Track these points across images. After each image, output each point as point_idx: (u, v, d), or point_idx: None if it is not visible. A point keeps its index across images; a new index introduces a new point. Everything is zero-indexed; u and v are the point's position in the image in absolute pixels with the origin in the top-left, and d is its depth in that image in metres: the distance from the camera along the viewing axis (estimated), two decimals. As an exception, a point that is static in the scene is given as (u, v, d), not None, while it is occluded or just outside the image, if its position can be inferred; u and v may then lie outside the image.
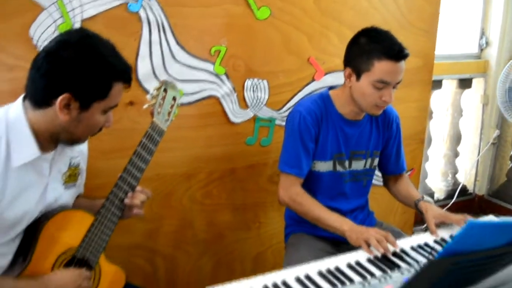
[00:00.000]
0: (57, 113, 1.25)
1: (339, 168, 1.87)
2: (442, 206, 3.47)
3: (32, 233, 1.33)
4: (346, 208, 1.91)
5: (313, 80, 2.32)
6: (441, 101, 3.43)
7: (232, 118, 2.17)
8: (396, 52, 1.66)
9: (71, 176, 1.46)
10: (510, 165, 3.60)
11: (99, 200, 1.52)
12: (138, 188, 1.47)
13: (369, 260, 1.54)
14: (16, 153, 1.25)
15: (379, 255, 1.56)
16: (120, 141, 1.95)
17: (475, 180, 3.68)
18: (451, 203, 3.47)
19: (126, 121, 1.97)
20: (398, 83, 1.73)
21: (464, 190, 3.65)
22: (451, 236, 1.70)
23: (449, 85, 3.38)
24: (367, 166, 1.93)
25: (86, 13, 1.80)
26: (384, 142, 1.94)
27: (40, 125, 1.29)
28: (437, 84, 3.25)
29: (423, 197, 1.88)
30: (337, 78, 2.32)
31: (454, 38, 3.38)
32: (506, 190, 3.63)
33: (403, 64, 1.70)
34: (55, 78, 1.23)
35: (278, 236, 2.44)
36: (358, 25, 1.88)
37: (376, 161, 1.95)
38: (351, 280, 1.40)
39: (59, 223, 1.35)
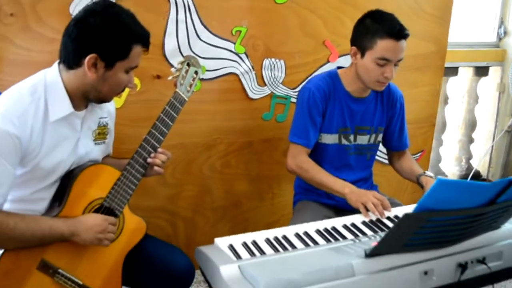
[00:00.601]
0: (86, 72, 1.46)
1: (344, 141, 2.03)
2: (455, 190, 3.58)
3: (67, 182, 1.54)
4: (350, 179, 2.05)
5: (328, 61, 2.47)
6: (457, 87, 3.53)
7: (250, 94, 2.35)
8: (396, 31, 1.81)
9: (100, 134, 1.67)
10: (524, 153, 3.69)
11: (125, 160, 1.72)
12: (160, 149, 1.66)
13: (364, 223, 1.71)
14: (53, 109, 1.47)
15: (374, 219, 1.73)
16: (147, 110, 2.15)
17: (489, 166, 3.77)
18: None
19: (153, 92, 2.16)
20: (399, 60, 1.88)
21: (477, 175, 3.75)
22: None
23: (466, 72, 3.48)
24: (371, 141, 2.08)
25: (120, -7, 2.00)
26: (388, 119, 2.09)
27: (73, 84, 1.50)
28: (453, 71, 3.35)
29: (424, 172, 2.03)
30: (351, 60, 2.46)
31: (473, 26, 3.47)
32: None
33: (403, 43, 1.85)
34: (83, 41, 1.44)
35: (290, 207, 2.60)
36: (371, 9, 1.99)
37: (380, 136, 2.10)
38: (344, 237, 1.58)
39: (90, 175, 1.55)
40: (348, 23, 2.45)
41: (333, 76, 2.02)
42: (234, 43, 2.25)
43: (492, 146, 3.71)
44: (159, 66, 2.14)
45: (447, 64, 3.22)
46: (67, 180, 1.55)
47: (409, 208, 1.83)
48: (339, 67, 2.07)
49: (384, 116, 2.08)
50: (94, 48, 1.44)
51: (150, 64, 2.13)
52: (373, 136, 2.09)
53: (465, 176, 3.67)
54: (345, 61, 2.47)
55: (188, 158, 2.34)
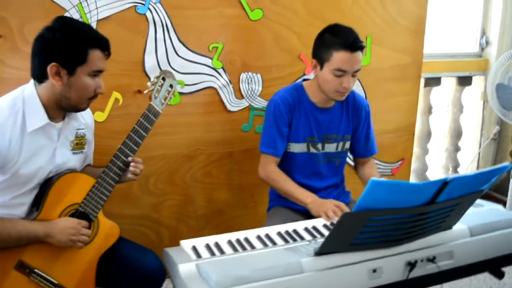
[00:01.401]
0: (52, 81, 1.59)
1: (312, 150, 2.14)
2: (442, 198, 3.64)
3: (44, 189, 1.67)
4: (320, 186, 2.17)
5: (304, 74, 2.58)
6: (441, 97, 3.62)
7: (229, 107, 2.47)
8: (350, 43, 1.91)
9: (78, 144, 1.80)
10: (511, 160, 3.75)
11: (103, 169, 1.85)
12: (130, 158, 1.77)
13: (325, 226, 1.81)
14: (30, 121, 1.60)
15: (328, 223, 1.82)
16: (129, 123, 2.19)
17: (476, 174, 3.83)
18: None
19: (134, 106, 2.29)
20: (356, 71, 1.98)
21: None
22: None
23: (449, 82, 3.57)
24: (339, 149, 2.18)
25: (101, 14, 2.14)
26: (354, 127, 2.19)
27: (46, 96, 1.63)
28: (436, 81, 3.44)
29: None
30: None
31: (455, 37, 3.57)
32: (507, 185, 3.76)
33: (359, 54, 1.95)
34: (43, 54, 1.58)
35: (272, 214, 2.71)
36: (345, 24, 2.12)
37: (348, 144, 2.20)
38: (302, 238, 1.68)
39: (66, 182, 1.68)
40: None
41: (298, 88, 2.13)
42: (212, 59, 2.37)
43: (479, 154, 3.78)
44: (140, 81, 2.27)
45: (430, 75, 3.34)
46: (45, 186, 1.68)
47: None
48: (304, 79, 2.19)
49: (350, 124, 2.18)
50: (53, 57, 1.57)
51: (132, 80, 2.26)
52: (341, 144, 2.19)
53: (452, 184, 3.73)
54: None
55: (171, 168, 2.45)
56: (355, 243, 1.46)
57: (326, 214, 1.86)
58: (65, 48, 1.58)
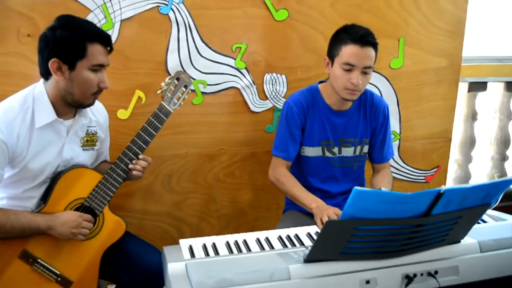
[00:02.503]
0: (55, 77, 1.64)
1: (327, 154, 2.09)
2: (486, 208, 3.46)
3: (52, 183, 1.73)
4: (336, 191, 2.12)
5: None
6: (486, 103, 3.44)
7: (252, 107, 2.46)
8: (359, 37, 1.87)
9: (89, 141, 1.85)
10: None
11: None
12: (141, 156, 1.81)
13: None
14: (38, 117, 1.66)
15: None
16: None
17: (525, 185, 3.61)
18: (494, 205, 3.45)
19: (156, 105, 2.30)
20: (366, 68, 1.92)
21: (510, 194, 3.60)
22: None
23: (496, 87, 3.38)
24: (357, 153, 2.12)
25: (124, 14, 2.18)
26: (372, 131, 2.12)
27: (53, 93, 1.69)
28: (482, 86, 3.27)
29: (380, 189, 2.00)
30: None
31: (502, 39, 3.38)
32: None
33: (369, 50, 1.90)
34: (45, 51, 1.63)
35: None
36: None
37: (366, 148, 2.14)
38: (302, 244, 1.64)
39: (73, 177, 1.74)
40: None
41: (313, 91, 2.09)
42: (235, 59, 2.37)
43: (529, 164, 3.56)
44: (163, 80, 2.29)
45: (474, 79, 3.18)
46: (53, 181, 1.74)
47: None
48: (320, 82, 2.14)
49: (368, 127, 2.12)
50: (53, 53, 1.62)
51: (155, 79, 2.29)
52: (358, 148, 2.13)
53: (498, 195, 3.54)
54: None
55: (193, 167, 2.47)
56: (345, 252, 1.42)
57: (321, 220, 1.81)
58: (64, 43, 1.62)
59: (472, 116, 3.34)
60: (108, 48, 1.71)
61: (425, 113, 2.78)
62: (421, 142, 2.81)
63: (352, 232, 1.35)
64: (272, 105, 2.49)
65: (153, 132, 1.85)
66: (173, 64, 2.30)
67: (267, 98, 2.47)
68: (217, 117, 2.44)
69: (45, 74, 1.68)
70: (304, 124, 2.06)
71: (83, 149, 1.83)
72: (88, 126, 1.85)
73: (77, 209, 1.73)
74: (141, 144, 1.83)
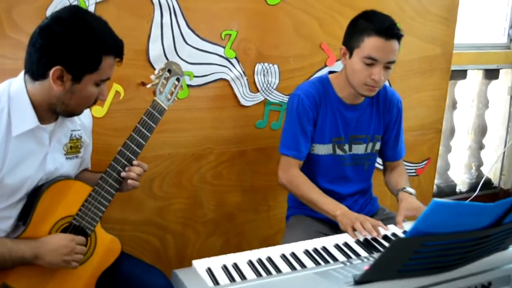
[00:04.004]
0: (52, 84, 1.33)
1: (338, 151, 1.90)
2: (465, 199, 3.43)
3: (33, 199, 1.42)
4: (346, 192, 1.93)
5: (325, 65, 2.33)
6: (466, 91, 3.37)
7: (242, 101, 2.22)
8: (384, 29, 1.68)
9: (72, 148, 1.55)
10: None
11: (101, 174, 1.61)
12: (135, 161, 1.54)
13: (358, 242, 1.57)
14: (16, 123, 1.35)
15: (361, 239, 1.58)
16: (131, 119, 2.00)
17: (501, 174, 3.60)
18: (473, 195, 3.42)
19: (137, 100, 2.04)
20: (389, 62, 1.74)
21: (488, 183, 3.58)
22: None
23: (475, 75, 3.32)
24: (368, 150, 1.94)
25: (99, -5, 1.88)
26: (385, 127, 1.95)
27: (38, 96, 1.38)
28: (462, 74, 3.20)
29: (404, 188, 1.86)
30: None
31: (482, 27, 3.31)
32: None
33: (394, 43, 1.72)
34: (48, 52, 1.32)
35: (286, 220, 2.49)
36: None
37: (378, 145, 1.96)
38: (335, 259, 1.44)
39: (58, 191, 1.44)
40: (346, 25, 2.30)
41: (323, 82, 1.89)
42: (224, 47, 2.12)
43: (504, 153, 3.54)
44: (144, 72, 2.01)
45: (455, 67, 3.08)
46: (33, 197, 1.43)
47: (410, 226, 1.69)
48: (330, 72, 1.94)
49: (381, 123, 1.94)
50: (59, 59, 1.32)
51: (134, 70, 2.01)
52: (370, 144, 1.94)
53: (475, 184, 3.51)
54: (344, 65, 2.34)
55: (177, 169, 2.21)
56: (403, 270, 1.23)
57: (352, 227, 1.61)
58: (76, 52, 1.33)
59: (453, 105, 3.25)
60: (119, 60, 1.44)
61: (416, 103, 2.64)
62: (411, 134, 2.67)
63: (417, 249, 1.15)
64: (263, 98, 2.26)
65: (147, 133, 1.58)
66: (155, 53, 2.02)
67: (258, 91, 2.24)
68: (203, 112, 2.19)
69: (36, 75, 1.37)
70: (315, 119, 1.85)
71: (67, 158, 1.53)
72: (72, 131, 1.55)
73: (64, 230, 1.43)
74: (135, 148, 1.55)
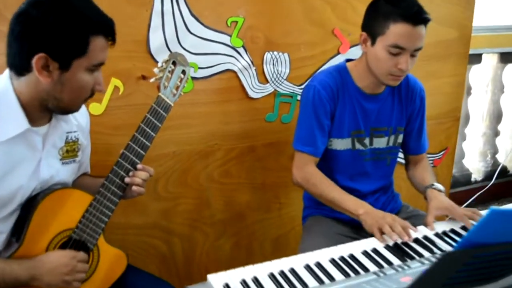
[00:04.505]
0: (38, 77, 1.18)
1: (358, 146, 1.75)
2: (480, 188, 3.29)
3: (27, 212, 1.27)
4: (367, 189, 1.79)
5: (338, 53, 2.18)
6: (480, 76, 3.22)
7: (251, 93, 2.07)
8: (413, 14, 1.53)
9: (69, 152, 1.39)
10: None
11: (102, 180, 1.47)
12: (139, 165, 1.39)
13: (388, 247, 1.43)
14: (4, 126, 1.19)
15: (390, 243, 1.44)
16: (133, 116, 1.88)
17: (517, 161, 3.47)
18: (489, 184, 3.28)
19: (138, 95, 1.89)
20: (416, 50, 1.59)
21: (504, 171, 3.44)
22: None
23: (490, 59, 3.16)
24: (390, 143, 1.79)
25: (93, -18, 1.71)
26: (408, 117, 1.80)
27: (26, 94, 1.22)
28: (476, 58, 3.04)
29: (433, 184, 1.71)
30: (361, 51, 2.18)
31: (495, 8, 3.15)
32: None
33: (422, 29, 1.56)
34: (27, 39, 1.17)
35: (300, 218, 2.34)
36: None
37: (401, 137, 1.81)
38: (365, 269, 1.29)
39: (54, 202, 1.28)
40: (360, 9, 2.10)
41: (341, 71, 1.73)
42: (230, 36, 1.96)
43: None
44: (144, 65, 1.86)
45: (470, 51, 2.92)
46: (27, 209, 1.28)
47: (441, 226, 1.55)
48: (348, 60, 1.78)
49: (404, 113, 1.79)
50: (41, 46, 1.16)
51: (134, 63, 1.85)
52: (392, 137, 1.80)
53: (491, 173, 3.37)
54: (359, 52, 2.16)
55: (183, 168, 2.06)
56: (448, 283, 1.08)
57: (380, 229, 1.47)
58: (60, 35, 1.16)
59: (467, 91, 3.10)
60: (111, 40, 1.27)
61: (433, 91, 2.47)
62: (428, 123, 2.48)
63: (467, 261, 1.01)
64: (273, 90, 2.11)
65: (152, 133, 1.42)
66: (156, 44, 1.86)
67: (267, 82, 2.08)
68: (209, 106, 2.03)
69: (20, 69, 1.21)
70: (333, 112, 1.70)
71: (63, 163, 1.38)
72: (68, 132, 1.39)
73: (63, 245, 1.28)
74: (139, 150, 1.40)
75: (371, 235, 1.66)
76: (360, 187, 1.77)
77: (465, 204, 3.19)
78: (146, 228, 2.08)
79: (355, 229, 1.75)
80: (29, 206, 1.28)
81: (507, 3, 3.23)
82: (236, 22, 1.95)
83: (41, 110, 1.26)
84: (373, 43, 1.61)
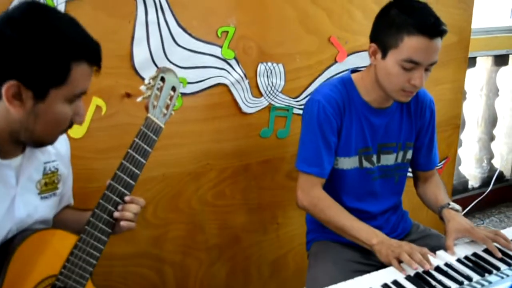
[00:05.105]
0: (8, 106, 1.02)
1: (366, 164, 1.61)
2: (478, 195, 3.20)
3: (2, 259, 1.10)
4: (376, 210, 1.65)
5: (335, 62, 2.05)
6: (475, 80, 3.13)
7: (244, 108, 1.92)
8: (430, 26, 1.40)
9: (48, 184, 1.23)
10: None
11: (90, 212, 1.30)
12: (127, 198, 1.23)
13: (409, 278, 1.29)
14: None
15: (411, 273, 1.30)
16: (117, 138, 1.73)
17: (514, 165, 3.39)
18: (487, 191, 3.19)
19: (122, 115, 1.72)
20: (431, 64, 1.46)
21: (500, 176, 3.35)
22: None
23: (484, 62, 3.07)
24: (399, 160, 1.66)
25: (70, -7, 1.55)
26: (417, 132, 1.67)
27: None
28: (471, 62, 2.95)
29: (449, 204, 1.60)
30: (362, 59, 2.06)
31: (486, 9, 3.07)
32: None
33: (438, 42, 1.43)
34: None
35: (299, 237, 2.19)
36: None
37: (410, 153, 1.68)
38: (390, 307, 1.16)
39: (34, 246, 1.11)
40: (358, 15, 2.05)
41: (346, 83, 1.59)
42: (221, 47, 1.81)
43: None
44: (128, 81, 1.70)
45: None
46: (3, 255, 1.11)
47: (462, 251, 1.42)
48: (353, 71, 1.65)
49: (413, 128, 1.67)
50: (13, 72, 1.00)
51: (117, 80, 1.69)
52: (401, 153, 1.67)
53: (487, 178, 3.28)
54: (356, 60, 2.06)
55: (173, 191, 1.90)
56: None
57: (398, 259, 1.34)
58: (36, 59, 1.01)
59: (463, 95, 3.00)
60: (96, 68, 1.11)
61: (434, 98, 2.36)
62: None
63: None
64: (267, 103, 1.96)
65: (142, 160, 1.27)
66: (141, 58, 1.70)
67: (261, 95, 1.94)
68: (200, 124, 1.88)
69: None
70: (340, 129, 1.56)
71: (42, 198, 1.21)
72: (46, 163, 1.22)
73: (45, 295, 1.12)
74: (128, 180, 1.24)
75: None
76: (369, 207, 1.64)
77: (463, 212, 3.09)
78: (135, 258, 1.91)
79: (365, 254, 1.61)
80: (4, 252, 1.10)
81: (500, 4, 3.14)
82: (227, 32, 1.80)
83: (11, 142, 1.10)
84: (383, 56, 1.47)
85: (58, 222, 1.31)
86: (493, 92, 3.18)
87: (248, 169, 2.02)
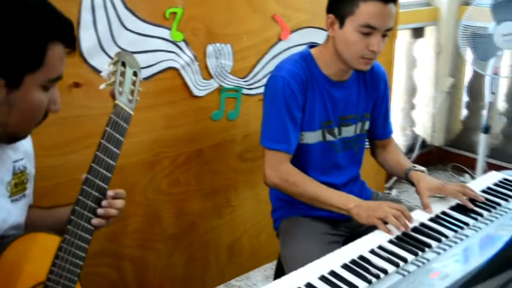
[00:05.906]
0: None
1: (328, 137, 1.64)
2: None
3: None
4: (339, 182, 1.69)
5: (279, 40, 2.05)
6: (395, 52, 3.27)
7: (195, 91, 1.88)
8: None
9: (18, 185, 1.13)
10: (465, 113, 3.56)
11: (58, 208, 1.22)
12: (110, 192, 1.16)
13: (392, 242, 1.33)
14: None
15: (398, 233, 1.36)
16: (67, 132, 1.62)
17: (432, 131, 3.61)
18: (413, 157, 3.38)
19: (71, 107, 1.61)
20: (388, 30, 1.52)
21: (423, 142, 3.57)
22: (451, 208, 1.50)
23: (403, 35, 3.23)
24: (358, 131, 1.71)
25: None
26: (373, 103, 1.73)
27: None
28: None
29: (414, 166, 1.68)
30: (304, 36, 2.10)
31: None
32: (463, 138, 3.59)
33: (392, 8, 1.49)
34: None
35: (253, 218, 2.21)
36: None
37: (367, 124, 1.73)
38: (384, 271, 1.19)
39: (16, 254, 1.02)
40: None
41: (306, 58, 1.60)
42: (170, 29, 1.75)
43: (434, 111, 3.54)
44: (76, 70, 1.59)
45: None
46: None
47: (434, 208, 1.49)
48: (311, 46, 1.66)
49: (370, 99, 1.71)
50: None
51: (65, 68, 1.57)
52: (359, 125, 1.71)
53: (412, 146, 3.47)
54: (299, 37, 2.09)
55: (128, 183, 1.81)
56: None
57: (383, 220, 1.38)
58: (9, 43, 0.91)
59: (413, 63, 3.17)
60: (69, 49, 1.02)
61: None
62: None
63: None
64: (218, 85, 1.93)
65: (116, 150, 1.20)
66: (88, 45, 1.60)
67: (211, 77, 1.90)
68: (151, 111, 1.80)
69: None
70: (304, 103, 1.56)
71: (12, 201, 1.10)
72: (15, 162, 1.11)
73: (35, 303, 1.02)
74: (104, 172, 1.16)
75: (352, 230, 1.57)
76: (333, 180, 1.66)
77: (392, 179, 3.25)
78: (93, 257, 1.78)
79: (333, 225, 1.66)
80: (-18, 264, 1.00)
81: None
82: (175, 13, 1.74)
83: None
84: (341, 25, 1.50)
85: (26, 224, 1.21)
86: (412, 63, 3.35)
87: (201, 154, 1.99)
